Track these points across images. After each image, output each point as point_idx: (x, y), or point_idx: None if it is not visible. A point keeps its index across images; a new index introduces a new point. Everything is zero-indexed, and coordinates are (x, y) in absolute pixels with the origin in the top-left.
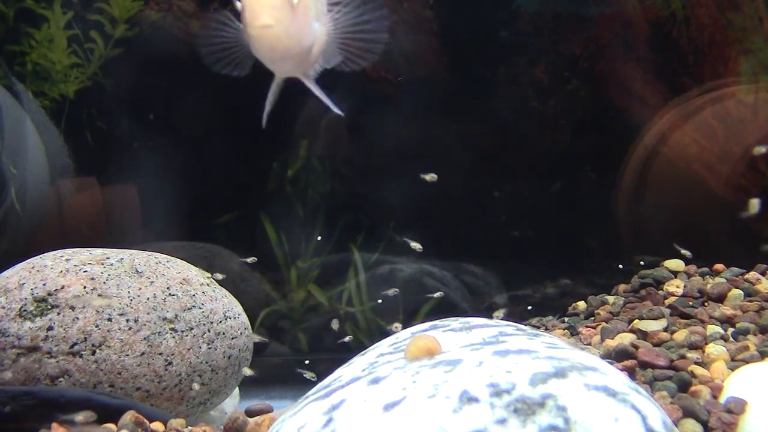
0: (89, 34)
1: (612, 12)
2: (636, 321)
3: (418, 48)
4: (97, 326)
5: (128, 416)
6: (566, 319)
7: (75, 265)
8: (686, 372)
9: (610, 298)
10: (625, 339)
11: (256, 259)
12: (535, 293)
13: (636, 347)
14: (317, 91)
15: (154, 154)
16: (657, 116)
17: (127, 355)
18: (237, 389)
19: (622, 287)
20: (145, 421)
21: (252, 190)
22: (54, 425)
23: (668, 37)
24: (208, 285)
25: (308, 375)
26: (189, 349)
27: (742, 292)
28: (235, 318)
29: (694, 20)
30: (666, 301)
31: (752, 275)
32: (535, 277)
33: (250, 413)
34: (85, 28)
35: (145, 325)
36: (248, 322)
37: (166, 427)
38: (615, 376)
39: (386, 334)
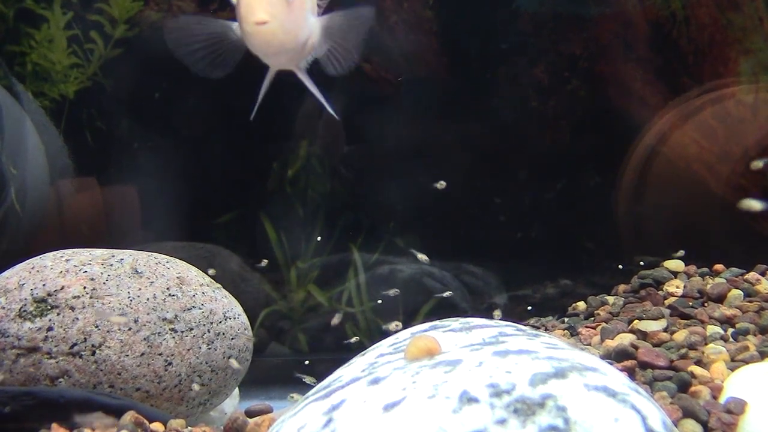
0: (89, 35)
1: (612, 12)
2: (636, 321)
3: (418, 48)
4: (96, 327)
5: (128, 417)
6: (566, 319)
7: (75, 266)
8: (686, 372)
9: (610, 299)
10: (625, 339)
11: (267, 261)
12: (535, 293)
13: (636, 347)
14: (309, 83)
15: (154, 154)
16: (657, 116)
17: (127, 355)
18: (237, 390)
19: (621, 287)
20: (145, 421)
21: (252, 190)
22: (54, 425)
23: (668, 37)
24: (208, 285)
25: (308, 380)
26: (189, 350)
27: (741, 292)
28: (234, 318)
29: (694, 20)
30: (666, 301)
31: (752, 275)
32: (535, 277)
33: (250, 414)
34: (84, 29)
35: (144, 325)
36: (248, 323)
37: (165, 428)
38: (615, 377)
39: (386, 334)
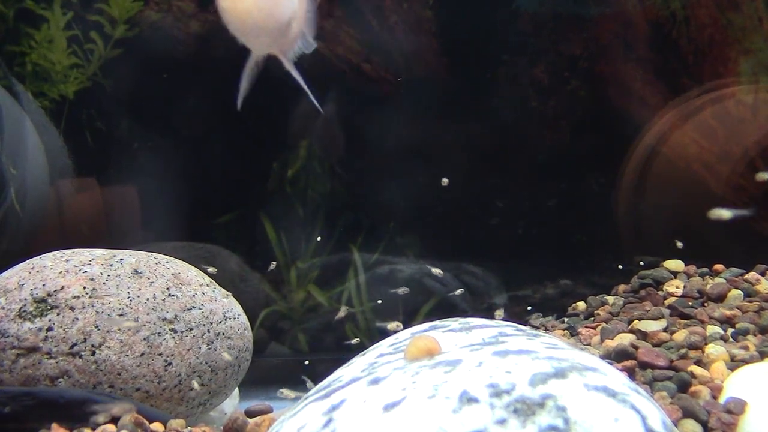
0: (89, 35)
1: (612, 12)
2: (636, 321)
3: (418, 48)
4: (96, 327)
5: (128, 417)
6: (566, 319)
7: (75, 266)
8: (686, 372)
9: (610, 299)
10: (625, 339)
11: (275, 264)
12: (535, 293)
13: (636, 347)
14: (296, 74)
15: (154, 154)
16: (657, 116)
17: (127, 355)
18: (237, 390)
19: (621, 287)
20: (145, 421)
21: (252, 190)
22: (54, 425)
23: (668, 37)
24: (208, 285)
25: (310, 385)
26: (189, 350)
27: (741, 292)
28: (234, 318)
29: (694, 20)
30: (666, 301)
31: (752, 275)
32: (535, 277)
33: (250, 414)
34: (84, 29)
35: (144, 325)
36: (248, 323)
37: (165, 428)
38: (615, 377)
39: (386, 334)
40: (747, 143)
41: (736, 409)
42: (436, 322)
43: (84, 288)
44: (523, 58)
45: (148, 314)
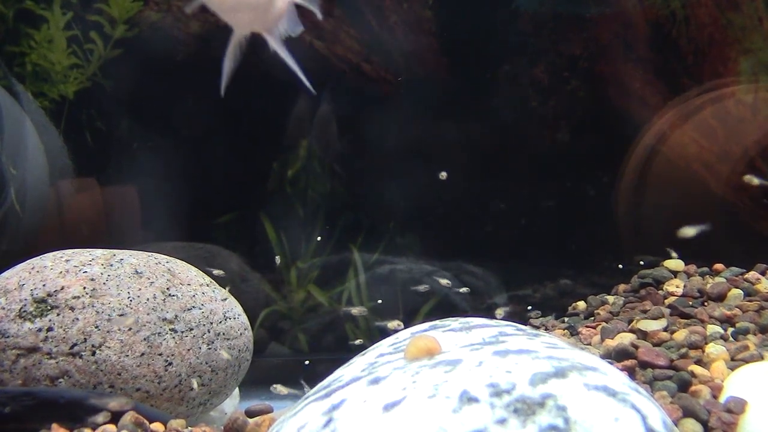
0: (89, 35)
1: (612, 12)
2: (636, 321)
3: (417, 48)
4: (96, 327)
5: (128, 417)
6: (566, 319)
7: (75, 266)
8: (686, 372)
9: (610, 298)
10: (625, 339)
11: (280, 259)
12: (535, 293)
13: (636, 347)
14: (285, 54)
15: (154, 154)
16: (657, 116)
17: (127, 355)
18: (237, 390)
19: (622, 287)
20: (145, 421)
21: (252, 190)
22: (54, 425)
23: (668, 37)
24: (208, 285)
25: (306, 389)
26: (189, 350)
27: (741, 291)
28: (234, 318)
29: (694, 20)
30: (666, 300)
31: (752, 275)
32: (535, 277)
33: (250, 414)
34: (84, 29)
35: (145, 325)
36: (248, 323)
37: (166, 428)
38: (615, 376)
39: (386, 333)
40: (747, 143)
41: (737, 408)
42: (436, 322)
43: (84, 288)
44: (523, 58)
45: (148, 314)
